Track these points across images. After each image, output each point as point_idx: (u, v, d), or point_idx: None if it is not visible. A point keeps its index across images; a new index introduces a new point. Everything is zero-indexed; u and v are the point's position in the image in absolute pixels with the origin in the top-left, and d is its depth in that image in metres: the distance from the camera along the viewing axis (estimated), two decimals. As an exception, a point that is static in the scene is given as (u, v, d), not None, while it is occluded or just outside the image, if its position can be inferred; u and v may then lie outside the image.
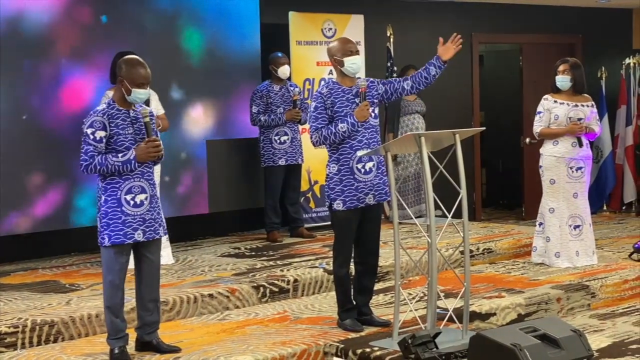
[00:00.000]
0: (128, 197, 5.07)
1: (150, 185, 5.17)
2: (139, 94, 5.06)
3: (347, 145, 5.63)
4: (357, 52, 5.73)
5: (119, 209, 5.05)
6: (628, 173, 10.91)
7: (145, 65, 5.12)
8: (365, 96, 5.66)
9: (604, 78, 11.08)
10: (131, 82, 5.04)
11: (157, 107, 7.32)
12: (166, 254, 7.36)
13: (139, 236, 5.11)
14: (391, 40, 9.60)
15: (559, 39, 11.42)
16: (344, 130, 5.58)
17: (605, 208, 11.10)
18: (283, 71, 8.36)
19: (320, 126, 5.63)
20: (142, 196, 5.12)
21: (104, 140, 4.99)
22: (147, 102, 6.99)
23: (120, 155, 5.01)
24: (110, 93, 6.85)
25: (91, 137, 4.97)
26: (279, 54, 8.43)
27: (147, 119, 5.12)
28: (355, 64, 5.70)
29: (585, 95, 7.46)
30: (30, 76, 7.36)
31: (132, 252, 5.19)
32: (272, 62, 8.41)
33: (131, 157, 5.02)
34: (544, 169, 7.40)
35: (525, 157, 10.99)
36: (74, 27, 7.56)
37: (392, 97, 5.83)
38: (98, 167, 4.97)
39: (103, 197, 5.06)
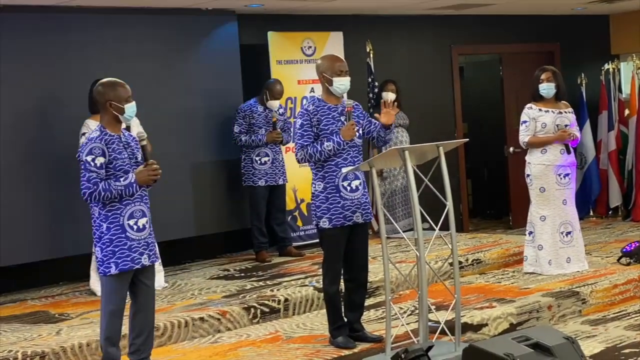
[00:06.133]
0: (131, 222, 5.02)
1: (148, 208, 5.14)
2: (130, 108, 5.07)
3: (333, 163, 5.62)
4: (346, 73, 5.73)
5: (123, 235, 4.99)
6: (612, 178, 10.93)
7: (123, 82, 5.15)
8: (351, 116, 5.66)
9: (584, 84, 11.12)
10: (119, 100, 5.04)
11: (138, 131, 7.28)
12: (159, 278, 7.33)
13: (145, 260, 5.07)
14: (371, 55, 9.62)
15: (538, 48, 11.47)
16: (329, 148, 5.58)
17: (591, 214, 11.12)
18: (272, 104, 8.31)
19: (305, 144, 5.62)
20: (143, 220, 5.08)
21: (104, 167, 4.95)
22: (127, 127, 6.98)
23: (121, 179, 4.97)
24: (91, 122, 6.82)
25: (92, 164, 4.92)
26: (277, 84, 8.34)
27: (145, 142, 5.11)
28: (344, 85, 5.71)
29: (564, 102, 7.50)
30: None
31: None
32: (268, 88, 8.33)
33: (132, 181, 4.98)
34: (533, 178, 7.39)
35: (510, 166, 11.01)
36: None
37: (364, 135, 5.82)
38: (102, 194, 4.91)
39: (104, 225, 4.98)
